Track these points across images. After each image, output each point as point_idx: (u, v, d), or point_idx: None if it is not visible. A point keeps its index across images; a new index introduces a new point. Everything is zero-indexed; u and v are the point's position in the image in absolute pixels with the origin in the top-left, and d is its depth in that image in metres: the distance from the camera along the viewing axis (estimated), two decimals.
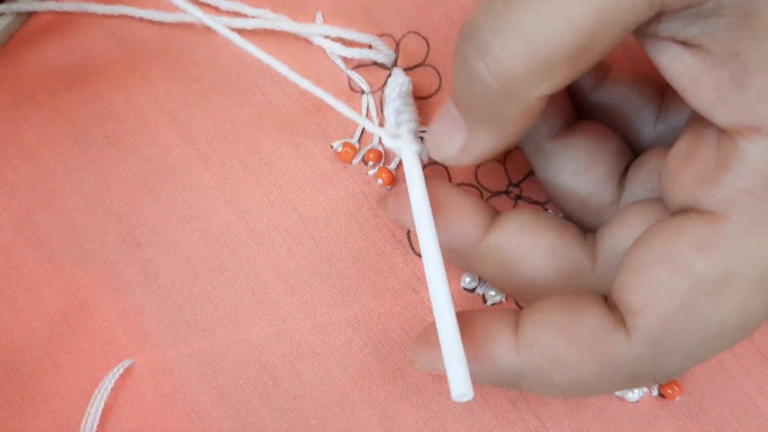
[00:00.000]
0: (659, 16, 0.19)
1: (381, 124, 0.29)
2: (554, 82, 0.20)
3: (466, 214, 0.25)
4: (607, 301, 0.22)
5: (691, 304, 0.20)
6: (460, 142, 0.23)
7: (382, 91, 0.29)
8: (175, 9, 0.30)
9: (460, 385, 0.21)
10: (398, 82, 0.28)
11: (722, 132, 0.20)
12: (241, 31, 0.30)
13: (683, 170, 0.21)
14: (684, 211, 0.21)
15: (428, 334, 0.24)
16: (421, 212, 0.24)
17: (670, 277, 0.20)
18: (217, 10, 0.30)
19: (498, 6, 0.20)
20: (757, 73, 0.19)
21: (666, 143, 0.25)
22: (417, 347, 0.24)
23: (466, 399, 0.21)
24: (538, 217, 0.25)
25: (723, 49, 0.19)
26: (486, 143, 0.23)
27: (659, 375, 0.21)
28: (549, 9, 0.19)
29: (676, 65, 0.20)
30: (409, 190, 0.25)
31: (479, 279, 0.27)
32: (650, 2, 0.18)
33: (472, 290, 0.27)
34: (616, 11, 0.18)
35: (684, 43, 0.20)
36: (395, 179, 0.28)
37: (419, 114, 0.29)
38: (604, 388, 0.22)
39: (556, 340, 0.21)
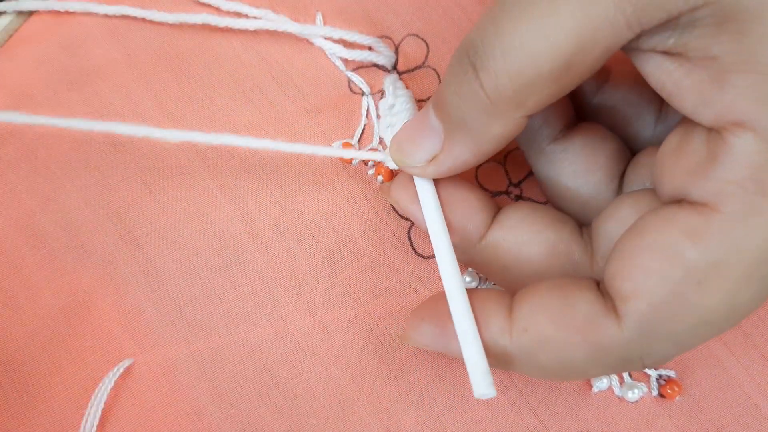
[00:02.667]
0: (638, 34, 0.20)
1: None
2: (538, 99, 0.21)
3: (468, 211, 0.25)
4: (599, 287, 0.22)
5: (681, 292, 0.20)
6: (432, 152, 0.23)
7: (382, 93, 0.29)
8: (176, 9, 0.30)
9: (482, 385, 0.21)
10: (397, 98, 0.28)
11: (710, 128, 0.20)
12: (242, 32, 0.30)
13: (675, 162, 0.21)
14: (676, 201, 0.21)
15: (422, 312, 0.24)
16: (439, 236, 0.24)
17: (661, 265, 0.20)
18: (218, 10, 0.30)
19: (489, 27, 0.21)
20: (734, 72, 0.19)
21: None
22: (412, 324, 0.24)
23: (488, 397, 0.22)
24: (536, 212, 0.25)
25: (700, 54, 0.20)
26: (460, 156, 0.23)
27: (648, 360, 0.21)
28: (532, 32, 0.20)
29: (659, 73, 0.21)
30: (424, 213, 0.25)
31: (479, 277, 0.27)
32: (628, 24, 0.19)
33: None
34: (595, 34, 0.19)
35: (664, 53, 0.21)
36: (394, 176, 0.28)
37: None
38: (594, 371, 0.22)
39: (548, 324, 0.22)
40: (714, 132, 0.20)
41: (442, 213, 0.24)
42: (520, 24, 0.20)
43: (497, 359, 0.23)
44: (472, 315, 0.22)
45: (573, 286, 0.22)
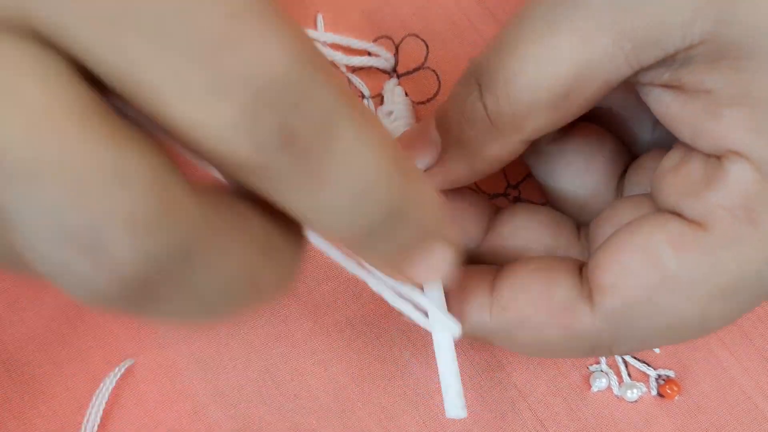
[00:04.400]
0: (637, 71, 0.21)
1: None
2: (536, 126, 0.22)
3: (466, 217, 0.25)
4: (581, 272, 0.23)
5: (655, 297, 0.21)
6: (426, 163, 0.24)
7: (381, 99, 0.29)
8: None
9: (456, 407, 0.22)
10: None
11: (709, 154, 0.21)
12: None
13: (674, 178, 0.22)
14: (671, 212, 0.22)
15: None
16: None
17: (641, 266, 0.21)
18: None
19: (495, 51, 0.22)
20: (728, 105, 0.20)
21: (663, 146, 0.25)
22: None
23: (459, 418, 0.22)
24: (533, 218, 0.25)
25: (695, 87, 0.21)
26: (453, 171, 0.23)
27: (615, 350, 0.23)
28: (533, 61, 0.21)
29: (658, 105, 0.22)
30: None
31: None
32: (627, 61, 0.20)
33: None
34: (594, 67, 0.20)
35: (662, 85, 0.21)
36: None
37: (419, 118, 0.29)
38: (567, 353, 0.23)
39: (527, 305, 0.22)
40: (712, 157, 0.21)
41: None
42: (524, 52, 0.21)
43: (474, 333, 0.23)
44: (452, 338, 0.22)
45: (554, 269, 0.23)
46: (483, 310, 0.23)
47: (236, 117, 0.14)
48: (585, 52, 0.20)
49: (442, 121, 0.23)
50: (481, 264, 0.25)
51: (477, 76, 0.22)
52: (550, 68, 0.21)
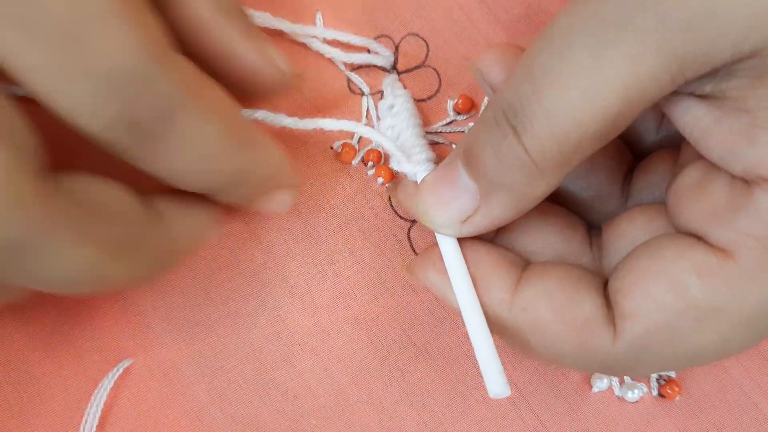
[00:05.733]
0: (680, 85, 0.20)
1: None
2: (583, 157, 0.21)
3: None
4: (606, 292, 0.22)
5: (678, 325, 0.21)
6: (466, 213, 0.23)
7: (381, 94, 0.29)
8: None
9: (497, 384, 0.22)
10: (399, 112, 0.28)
11: (737, 176, 0.20)
12: None
13: (695, 200, 0.21)
14: (693, 235, 0.21)
15: (432, 257, 0.24)
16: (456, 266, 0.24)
17: (665, 294, 0.21)
18: None
19: (526, 87, 0.20)
20: (766, 128, 0.19)
21: (668, 147, 0.25)
22: (421, 265, 0.24)
23: (503, 396, 0.22)
24: (545, 218, 0.25)
25: (734, 105, 0.20)
26: (498, 216, 0.22)
27: (630, 374, 0.23)
28: (576, 93, 0.19)
29: (687, 117, 0.21)
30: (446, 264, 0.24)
31: None
32: (672, 79, 0.19)
33: None
34: (642, 90, 0.19)
35: (696, 95, 0.20)
36: (395, 176, 0.28)
37: (421, 112, 0.29)
38: (575, 366, 0.23)
39: (548, 313, 0.22)
40: (739, 180, 0.20)
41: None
42: (563, 85, 0.19)
43: (491, 325, 0.23)
44: (486, 325, 0.22)
45: (582, 283, 0.22)
46: (502, 307, 0.22)
47: (86, 99, 0.18)
48: (634, 77, 0.19)
49: (475, 167, 0.22)
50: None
51: (509, 117, 0.21)
52: (599, 100, 0.19)
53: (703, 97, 0.20)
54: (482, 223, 0.23)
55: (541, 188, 0.21)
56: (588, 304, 0.22)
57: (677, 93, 0.21)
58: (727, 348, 0.21)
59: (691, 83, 0.20)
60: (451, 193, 0.23)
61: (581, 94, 0.19)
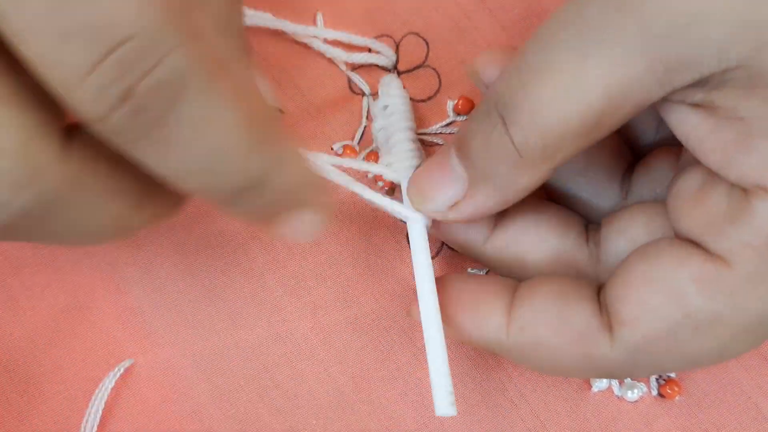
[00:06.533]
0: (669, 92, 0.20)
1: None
2: (567, 154, 0.21)
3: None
4: (600, 297, 0.23)
5: (676, 333, 0.21)
6: (454, 198, 0.23)
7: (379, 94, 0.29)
8: None
9: (445, 404, 0.22)
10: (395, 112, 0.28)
11: (734, 183, 0.21)
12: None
13: (694, 208, 0.21)
14: (692, 241, 0.22)
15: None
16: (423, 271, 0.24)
17: (663, 302, 0.21)
18: None
19: (515, 81, 0.21)
20: (761, 137, 0.19)
21: (668, 146, 0.25)
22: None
23: (449, 415, 0.23)
24: (540, 216, 0.25)
25: (728, 113, 0.20)
26: (483, 204, 0.23)
27: (632, 376, 0.23)
28: (561, 91, 0.20)
29: (683, 126, 0.21)
30: (413, 261, 0.24)
31: (486, 272, 0.27)
32: (660, 84, 0.19)
33: None
34: (626, 93, 0.20)
35: (690, 105, 0.21)
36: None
37: (418, 118, 0.29)
38: (581, 375, 0.24)
39: (545, 329, 0.22)
40: (738, 188, 0.20)
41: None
42: (551, 81, 0.20)
43: (490, 348, 0.23)
44: (444, 345, 0.23)
45: (574, 294, 0.23)
46: (500, 330, 0.23)
47: (81, 64, 0.15)
48: (616, 78, 0.19)
49: (466, 155, 0.22)
50: (492, 269, 0.25)
51: (499, 108, 0.21)
52: (581, 97, 0.20)
53: (696, 106, 0.20)
54: (467, 210, 0.23)
55: (525, 180, 0.22)
56: (581, 314, 0.22)
57: (672, 102, 0.21)
58: (726, 353, 0.21)
59: (683, 91, 0.20)
60: (442, 178, 0.23)
61: (564, 90, 0.20)
